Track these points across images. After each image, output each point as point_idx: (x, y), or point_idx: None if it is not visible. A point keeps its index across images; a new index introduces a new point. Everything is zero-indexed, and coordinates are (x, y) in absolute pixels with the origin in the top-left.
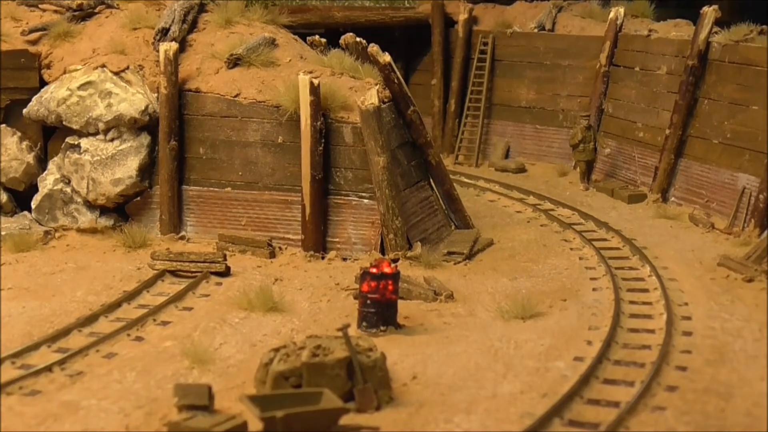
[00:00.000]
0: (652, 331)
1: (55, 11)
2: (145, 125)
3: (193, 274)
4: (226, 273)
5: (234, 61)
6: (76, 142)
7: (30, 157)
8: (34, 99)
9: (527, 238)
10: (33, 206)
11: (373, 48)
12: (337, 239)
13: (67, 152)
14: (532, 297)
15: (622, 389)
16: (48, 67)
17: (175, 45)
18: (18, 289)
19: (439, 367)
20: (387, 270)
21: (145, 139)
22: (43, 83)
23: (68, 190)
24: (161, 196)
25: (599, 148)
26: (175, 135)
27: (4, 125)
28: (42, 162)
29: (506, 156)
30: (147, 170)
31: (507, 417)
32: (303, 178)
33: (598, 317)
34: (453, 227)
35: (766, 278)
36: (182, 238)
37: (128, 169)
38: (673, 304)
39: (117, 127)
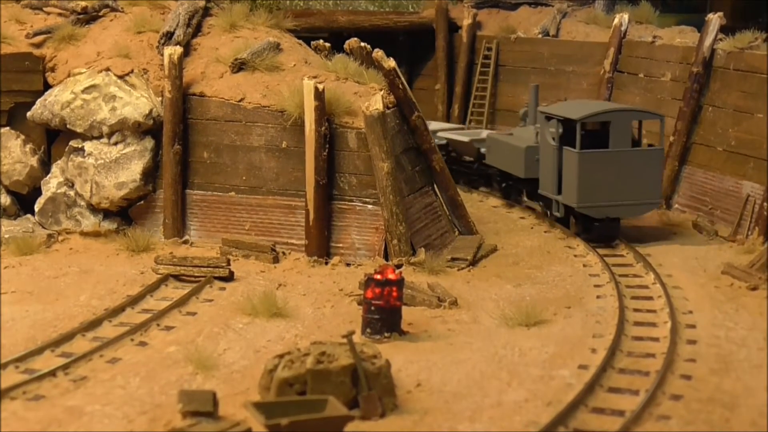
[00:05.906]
0: (656, 340)
1: (60, 14)
2: (149, 129)
3: (197, 279)
4: (229, 278)
5: (238, 66)
6: (80, 146)
7: (34, 160)
8: (38, 102)
9: (531, 245)
10: (36, 209)
11: (378, 53)
12: (340, 245)
13: (71, 155)
14: (536, 304)
15: (626, 398)
16: (52, 70)
17: (179, 49)
18: (21, 292)
19: (444, 374)
20: (391, 276)
21: (149, 143)
22: (48, 86)
23: (72, 193)
24: (165, 200)
25: None
26: (179, 139)
27: (8, 128)
28: (46, 165)
29: None
30: (151, 174)
31: (511, 425)
32: (307, 183)
33: (603, 325)
34: (457, 233)
35: None
36: (186, 242)
37: (132, 172)
38: (677, 312)
39: (121, 130)
